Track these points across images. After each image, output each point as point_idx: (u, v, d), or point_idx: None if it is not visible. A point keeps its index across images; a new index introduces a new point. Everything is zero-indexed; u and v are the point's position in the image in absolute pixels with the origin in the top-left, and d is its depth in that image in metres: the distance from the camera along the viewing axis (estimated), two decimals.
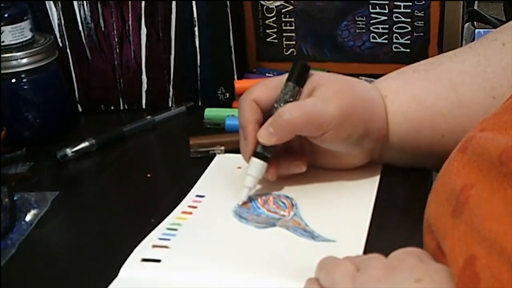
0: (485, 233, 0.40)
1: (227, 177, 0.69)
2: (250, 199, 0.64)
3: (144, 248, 0.57)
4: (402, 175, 0.68)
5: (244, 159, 0.64)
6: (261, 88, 0.64)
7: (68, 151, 0.75)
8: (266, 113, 0.63)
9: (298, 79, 0.63)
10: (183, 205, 0.64)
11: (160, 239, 0.58)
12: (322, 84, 0.62)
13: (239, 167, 0.70)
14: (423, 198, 0.64)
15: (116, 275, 0.54)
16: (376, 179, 0.66)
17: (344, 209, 0.62)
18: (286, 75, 0.63)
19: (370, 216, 0.61)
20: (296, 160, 0.65)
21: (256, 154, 0.62)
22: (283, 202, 0.63)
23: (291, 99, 0.62)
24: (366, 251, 0.56)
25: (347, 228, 0.59)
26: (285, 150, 0.65)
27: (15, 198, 0.65)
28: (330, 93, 0.61)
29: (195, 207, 0.64)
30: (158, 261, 0.55)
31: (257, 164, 0.63)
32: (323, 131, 0.60)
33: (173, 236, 0.59)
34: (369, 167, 0.67)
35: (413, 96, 0.64)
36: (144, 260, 0.55)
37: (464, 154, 0.47)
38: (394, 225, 0.60)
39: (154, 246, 0.57)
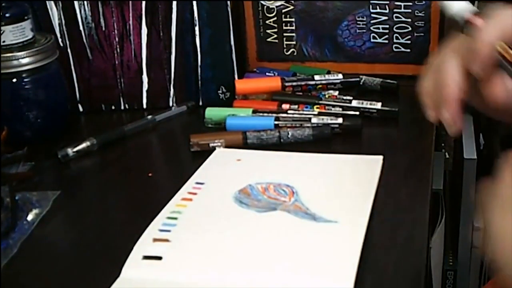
0: None
1: (226, 167, 0.69)
2: (250, 187, 0.64)
3: (145, 243, 0.57)
4: (402, 175, 0.68)
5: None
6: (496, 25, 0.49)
7: (69, 150, 0.75)
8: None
9: None
10: (183, 192, 0.64)
11: (161, 230, 0.58)
12: None
13: (239, 160, 0.70)
14: (423, 198, 0.64)
15: (118, 275, 0.54)
16: (378, 167, 0.66)
17: (345, 197, 0.62)
18: None
19: (372, 200, 0.61)
20: None
21: None
22: (283, 190, 0.63)
23: None
24: (366, 251, 0.56)
25: (349, 212, 0.59)
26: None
27: (16, 197, 0.65)
28: None
29: (195, 193, 0.64)
30: (160, 258, 0.55)
31: None
32: None
33: (173, 227, 0.59)
34: (370, 160, 0.67)
35: None
36: (146, 257, 0.55)
37: None
38: (394, 225, 0.60)
39: (155, 239, 0.57)
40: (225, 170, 0.69)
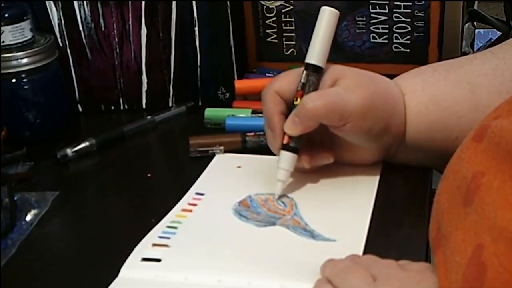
0: (495, 221, 0.40)
1: (227, 176, 0.69)
2: (250, 199, 0.64)
3: (144, 247, 0.57)
4: (402, 175, 0.68)
5: (274, 151, 0.65)
6: (282, 80, 0.65)
7: (68, 151, 0.75)
8: (289, 105, 0.64)
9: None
10: (183, 203, 0.64)
11: (160, 237, 0.58)
12: (345, 75, 0.63)
13: (239, 167, 0.70)
14: (423, 198, 0.64)
15: (116, 275, 0.54)
16: (376, 179, 0.66)
17: (344, 209, 0.62)
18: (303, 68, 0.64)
19: (370, 216, 0.61)
20: (324, 152, 0.65)
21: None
22: (283, 202, 0.63)
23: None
24: (366, 250, 0.56)
25: (347, 228, 0.59)
26: (308, 143, 0.65)
27: (15, 198, 0.65)
28: (353, 84, 0.62)
29: (195, 204, 0.64)
30: (158, 260, 0.55)
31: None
32: (345, 121, 0.61)
33: (173, 235, 0.59)
34: (369, 167, 0.67)
35: (432, 96, 0.64)
36: (144, 259, 0.55)
37: (479, 143, 0.46)
38: (394, 225, 0.60)
39: (154, 244, 0.57)
40: (225, 179, 0.69)
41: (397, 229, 0.60)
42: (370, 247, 0.56)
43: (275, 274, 0.53)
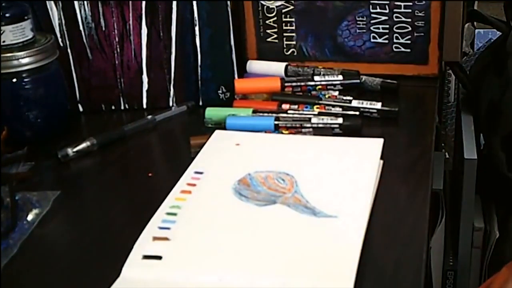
0: None
1: (225, 154, 0.69)
2: (250, 177, 0.64)
3: (145, 241, 0.57)
4: (402, 175, 0.68)
5: None
6: None
7: (69, 150, 0.75)
8: None
9: None
10: (182, 183, 0.64)
11: (161, 228, 0.58)
12: None
13: (238, 144, 0.70)
14: (423, 198, 0.64)
15: (118, 275, 0.54)
16: (378, 155, 0.66)
17: (346, 186, 0.62)
18: None
19: (372, 192, 0.60)
20: None
21: None
22: (283, 180, 0.63)
23: None
24: (369, 227, 0.56)
25: (349, 204, 0.59)
26: None
27: (16, 197, 0.65)
28: None
29: (194, 184, 0.63)
30: (159, 257, 0.55)
31: None
32: None
33: (173, 224, 0.58)
34: (370, 145, 0.67)
35: None
36: (145, 257, 0.55)
37: None
38: (394, 226, 0.60)
39: (154, 238, 0.57)
40: (224, 157, 0.68)
41: (397, 229, 0.60)
42: (370, 248, 0.56)
43: (276, 268, 0.53)
